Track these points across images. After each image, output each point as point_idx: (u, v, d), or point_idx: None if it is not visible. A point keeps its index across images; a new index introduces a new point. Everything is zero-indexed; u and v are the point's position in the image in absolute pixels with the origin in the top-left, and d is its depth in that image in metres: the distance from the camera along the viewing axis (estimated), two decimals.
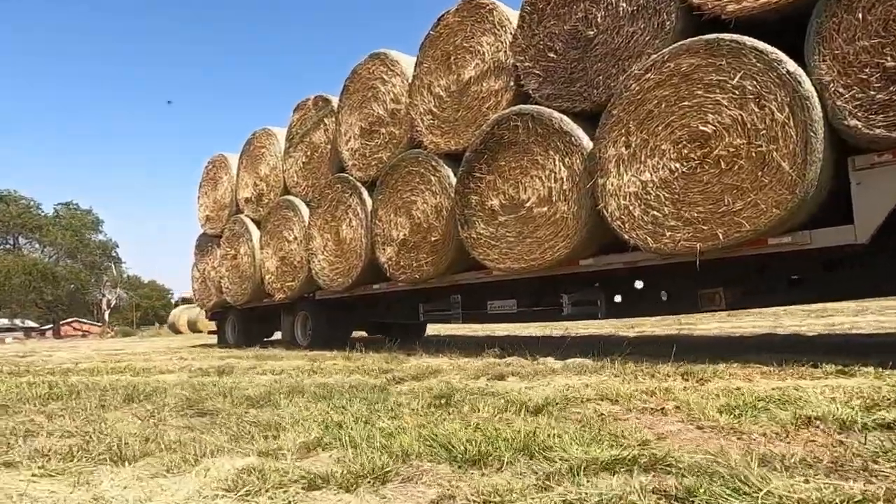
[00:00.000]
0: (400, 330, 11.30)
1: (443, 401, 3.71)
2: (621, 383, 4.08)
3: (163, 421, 3.73)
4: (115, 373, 7.37)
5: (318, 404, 3.89)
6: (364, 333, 12.64)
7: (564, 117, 6.21)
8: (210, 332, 15.70)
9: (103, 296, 44.36)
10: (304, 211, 10.38)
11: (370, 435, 2.87)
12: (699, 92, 5.12)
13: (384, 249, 8.54)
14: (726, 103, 4.92)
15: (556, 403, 3.52)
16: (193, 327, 31.49)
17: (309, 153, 10.39)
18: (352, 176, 9.25)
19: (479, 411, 3.37)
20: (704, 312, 6.37)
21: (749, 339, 7.76)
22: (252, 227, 11.78)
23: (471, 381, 4.89)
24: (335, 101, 9.97)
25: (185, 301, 32.46)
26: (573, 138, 6.09)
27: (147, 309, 73.43)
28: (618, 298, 6.98)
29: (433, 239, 7.76)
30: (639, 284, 6.75)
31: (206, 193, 13.46)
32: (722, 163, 4.97)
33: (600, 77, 6.01)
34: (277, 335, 14.46)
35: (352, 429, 3.03)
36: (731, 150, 4.92)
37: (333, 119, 9.87)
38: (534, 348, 6.93)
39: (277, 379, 5.69)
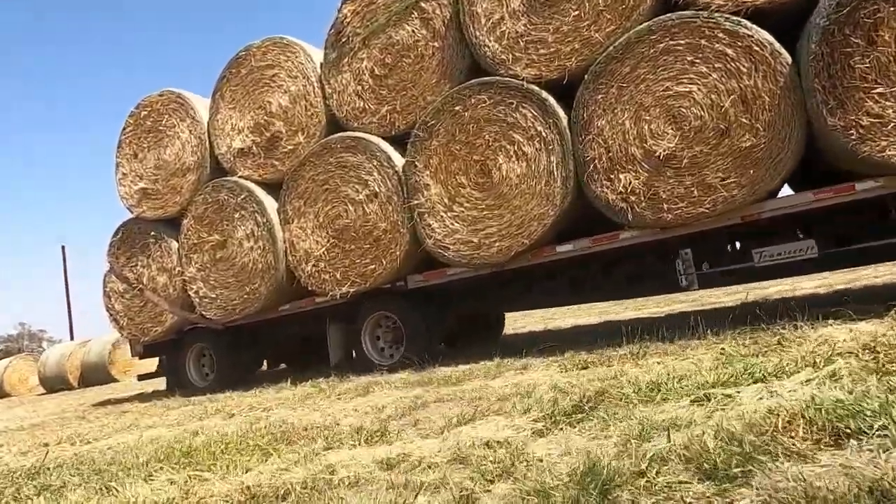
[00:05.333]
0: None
1: None
2: None
3: None
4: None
5: None
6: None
7: None
8: (142, 377, 10.27)
9: None
10: (389, 150, 6.60)
11: None
12: None
13: (613, 179, 5.36)
14: None
15: None
16: None
17: (389, 60, 6.63)
18: (513, 77, 5.86)
19: None
20: None
21: None
22: (260, 192, 7.45)
23: None
24: None
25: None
26: None
27: None
28: None
29: (743, 144, 4.86)
30: None
31: (138, 155, 8.51)
32: None
33: None
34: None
35: None
36: None
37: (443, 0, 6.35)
38: None
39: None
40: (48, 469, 3.91)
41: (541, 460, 2.26)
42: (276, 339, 8.43)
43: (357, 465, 2.59)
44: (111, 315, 8.93)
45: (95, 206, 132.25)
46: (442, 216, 6.21)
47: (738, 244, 5.83)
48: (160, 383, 11.79)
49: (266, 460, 3.07)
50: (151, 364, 16.99)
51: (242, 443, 3.51)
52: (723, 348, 4.09)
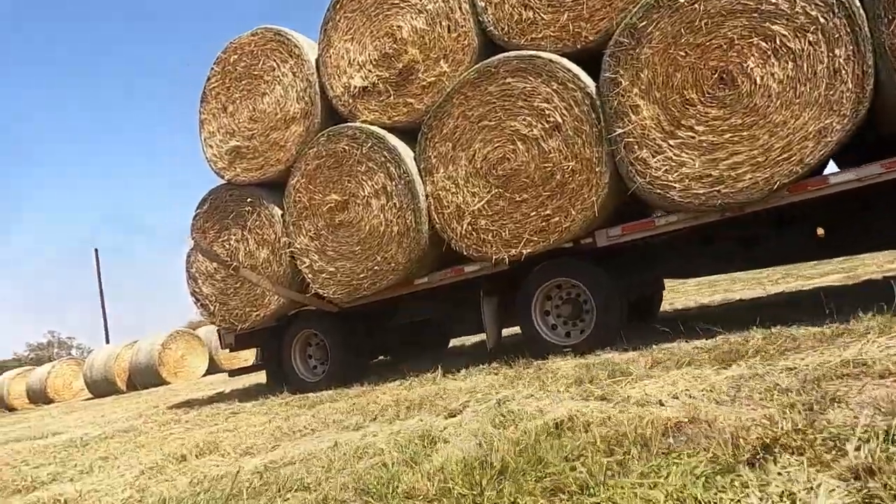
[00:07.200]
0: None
1: None
2: None
3: None
4: None
5: None
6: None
7: None
8: (234, 372, 8.94)
9: None
10: (574, 68, 5.15)
11: None
12: None
13: None
14: None
15: None
16: (40, 396, 21.73)
17: None
18: None
19: None
20: None
21: None
22: (392, 139, 6.05)
23: None
24: None
25: None
26: None
27: None
28: None
29: None
30: None
31: (227, 108, 7.15)
32: None
33: None
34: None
35: None
36: None
37: None
38: None
39: None
40: (241, 494, 2.53)
41: None
42: (402, 321, 7.03)
43: None
44: (198, 300, 7.59)
45: (109, 208, 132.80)
46: (660, 145, 4.74)
47: None
48: (234, 382, 10.56)
49: (671, 473, 1.64)
50: (198, 364, 15.76)
51: (577, 447, 2.08)
52: None
